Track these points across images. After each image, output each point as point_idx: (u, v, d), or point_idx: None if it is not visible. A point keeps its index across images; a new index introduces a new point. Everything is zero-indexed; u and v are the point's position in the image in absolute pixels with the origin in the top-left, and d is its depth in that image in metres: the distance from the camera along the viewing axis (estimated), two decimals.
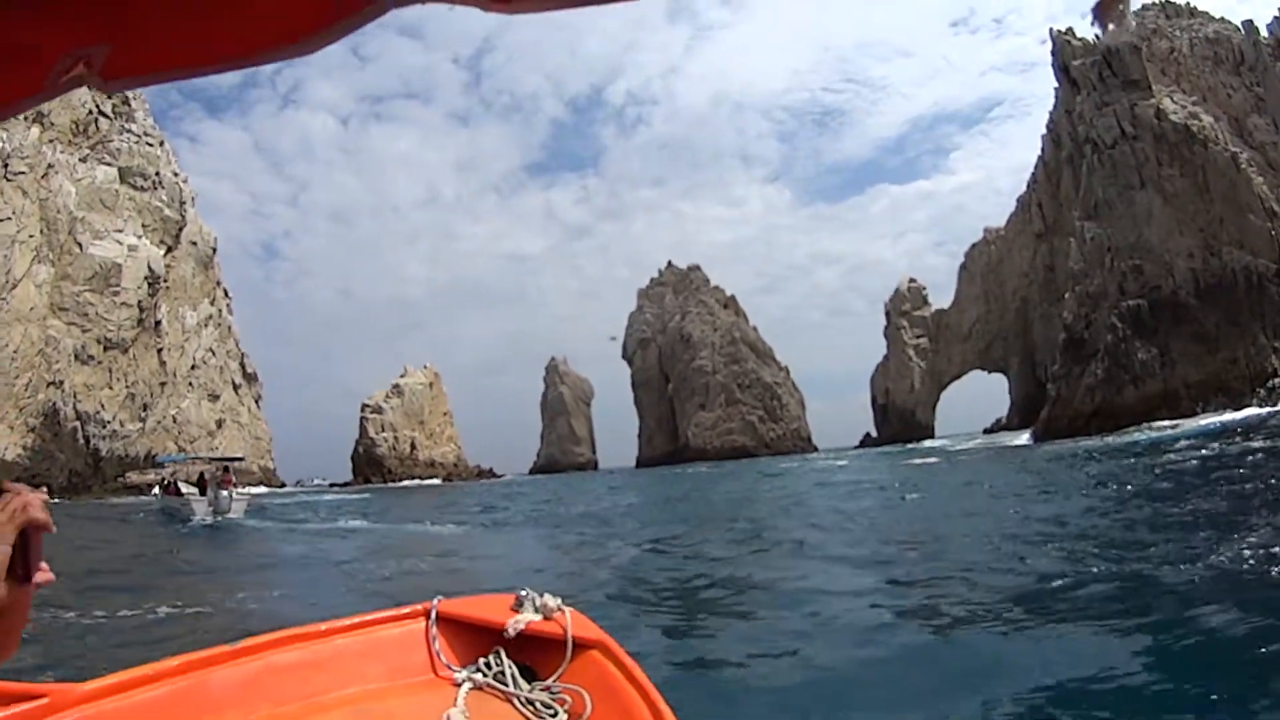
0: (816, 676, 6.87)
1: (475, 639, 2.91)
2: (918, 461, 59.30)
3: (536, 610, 2.93)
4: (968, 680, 6.55)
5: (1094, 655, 6.71)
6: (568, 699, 2.55)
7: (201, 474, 37.74)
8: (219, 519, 31.16)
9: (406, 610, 3.03)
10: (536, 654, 2.82)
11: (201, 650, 2.54)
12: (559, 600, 2.98)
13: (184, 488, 35.16)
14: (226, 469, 37.28)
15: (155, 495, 39.58)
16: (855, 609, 8.91)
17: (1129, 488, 21.90)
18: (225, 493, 32.89)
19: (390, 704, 2.57)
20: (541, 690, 2.62)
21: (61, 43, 0.84)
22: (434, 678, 2.77)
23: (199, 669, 2.48)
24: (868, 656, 7.14)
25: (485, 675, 2.71)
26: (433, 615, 2.99)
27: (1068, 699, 5.94)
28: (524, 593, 3.02)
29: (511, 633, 2.84)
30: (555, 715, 2.49)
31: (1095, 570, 10.28)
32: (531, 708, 2.52)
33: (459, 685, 2.65)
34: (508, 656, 2.79)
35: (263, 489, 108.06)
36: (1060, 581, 9.66)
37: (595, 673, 2.64)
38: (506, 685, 2.64)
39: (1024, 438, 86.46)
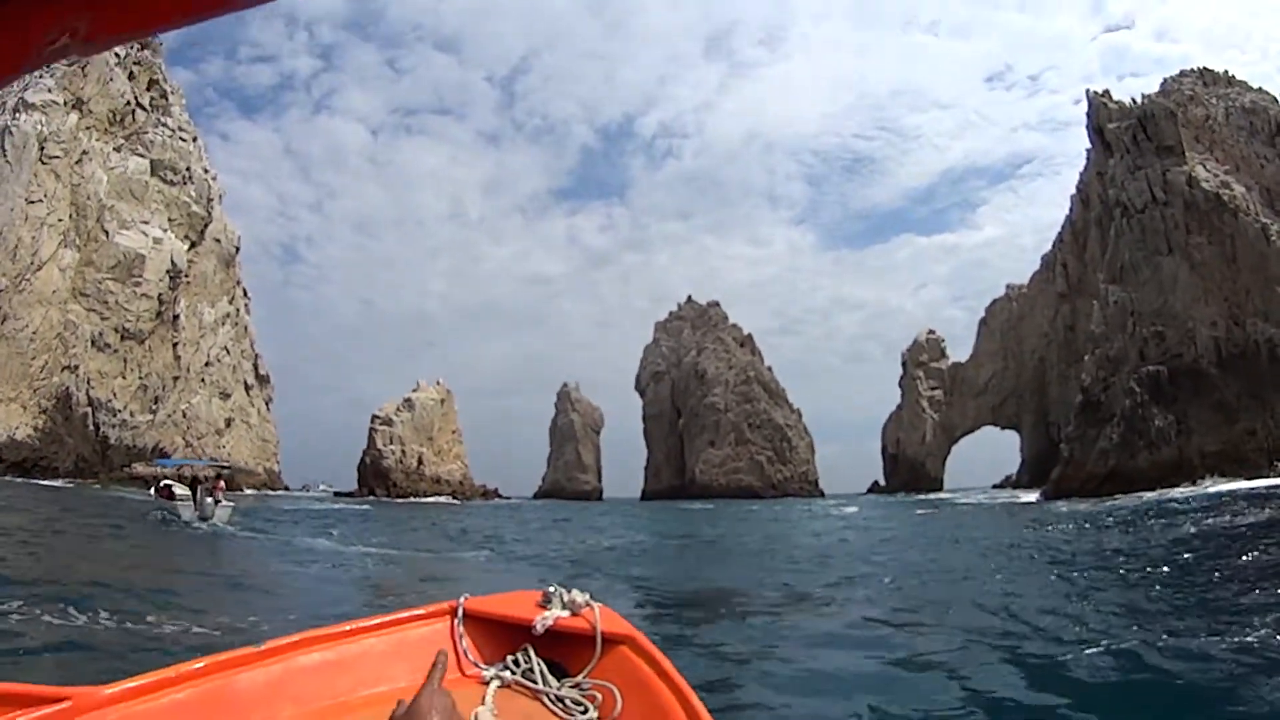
0: None
1: (502, 636, 2.90)
2: (922, 512, 59.51)
3: (564, 606, 2.91)
4: None
5: None
6: (598, 695, 2.53)
7: (194, 477, 38.53)
8: (203, 525, 31.90)
9: (433, 608, 3.01)
10: (565, 650, 2.80)
11: (226, 652, 2.52)
12: (587, 596, 2.96)
13: (178, 489, 35.87)
14: (219, 475, 38.89)
15: (151, 495, 40.18)
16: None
17: (1148, 553, 21.41)
18: (210, 499, 33.88)
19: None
20: (571, 687, 2.60)
21: (49, 20, 0.84)
22: (461, 676, 2.75)
23: (224, 670, 2.45)
24: None
25: (513, 673, 2.69)
26: (459, 613, 2.97)
27: None
28: (552, 589, 3.02)
29: (539, 629, 2.81)
30: (585, 712, 2.47)
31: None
32: (561, 705, 2.50)
33: (487, 683, 2.63)
34: (536, 653, 2.77)
35: (269, 491, 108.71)
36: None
37: (625, 668, 2.62)
38: (535, 682, 2.63)
39: (1033, 496, 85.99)
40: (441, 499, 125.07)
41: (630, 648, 2.68)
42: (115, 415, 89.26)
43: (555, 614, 2.85)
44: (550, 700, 2.51)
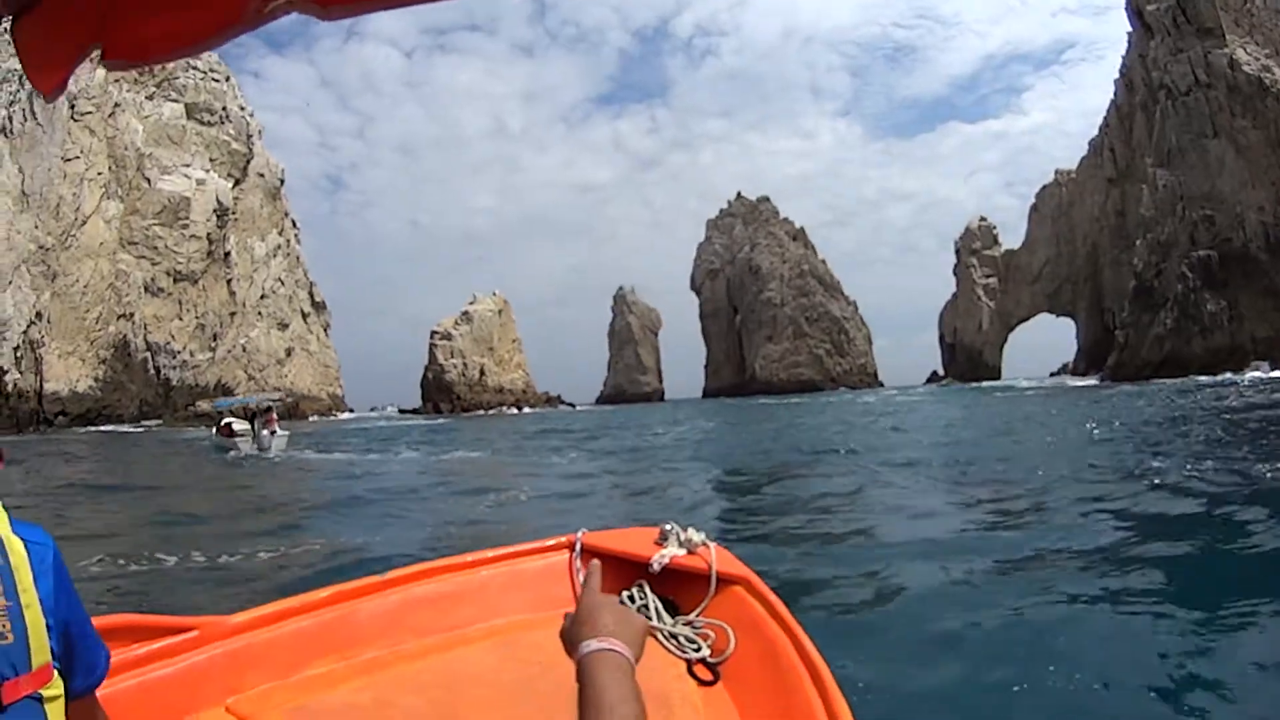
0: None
1: (619, 572, 2.88)
2: (990, 399, 58.65)
3: (681, 544, 2.93)
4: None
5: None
6: (711, 634, 2.55)
7: (251, 413, 40.39)
8: (263, 456, 33.45)
9: (551, 543, 3.07)
10: (680, 588, 2.82)
11: (348, 581, 2.66)
12: (704, 535, 2.98)
13: (237, 426, 38.03)
14: (269, 409, 39.85)
15: (212, 435, 42.06)
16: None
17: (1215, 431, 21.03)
18: (265, 431, 35.72)
19: (535, 635, 2.55)
20: (685, 625, 2.63)
21: None
22: None
23: (347, 600, 2.58)
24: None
25: (628, 608, 2.80)
26: (577, 548, 3.02)
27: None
28: (668, 526, 3.02)
29: (656, 567, 2.84)
30: (699, 650, 2.49)
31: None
32: (675, 642, 2.53)
33: None
34: (651, 590, 2.78)
35: (334, 416, 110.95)
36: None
37: (739, 609, 2.63)
38: (650, 619, 2.63)
39: (1091, 381, 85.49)
40: (506, 410, 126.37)
41: (744, 588, 2.70)
42: (175, 357, 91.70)
43: (672, 552, 2.88)
44: (665, 637, 2.54)
